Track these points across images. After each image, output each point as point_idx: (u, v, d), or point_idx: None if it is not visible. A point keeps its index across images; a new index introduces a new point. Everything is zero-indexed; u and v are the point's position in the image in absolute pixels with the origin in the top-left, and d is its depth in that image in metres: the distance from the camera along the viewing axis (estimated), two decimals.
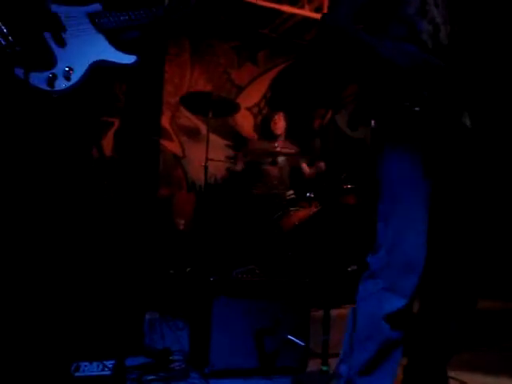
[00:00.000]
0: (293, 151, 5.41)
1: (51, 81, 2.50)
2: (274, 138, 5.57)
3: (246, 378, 2.90)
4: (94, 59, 2.60)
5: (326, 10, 5.99)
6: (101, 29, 2.62)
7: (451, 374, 2.23)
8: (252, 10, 6.11)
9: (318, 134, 6.49)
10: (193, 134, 6.21)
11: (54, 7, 2.61)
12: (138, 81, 4.37)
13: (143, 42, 2.80)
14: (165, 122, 5.99)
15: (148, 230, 3.97)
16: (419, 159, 1.99)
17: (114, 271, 3.04)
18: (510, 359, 3.48)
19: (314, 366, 3.00)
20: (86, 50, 2.60)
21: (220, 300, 2.94)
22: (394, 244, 1.97)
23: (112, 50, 2.63)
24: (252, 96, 6.68)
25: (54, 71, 2.52)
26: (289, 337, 3.02)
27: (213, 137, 5.43)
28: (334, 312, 2.93)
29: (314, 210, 4.59)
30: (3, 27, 2.41)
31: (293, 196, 4.94)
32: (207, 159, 4.73)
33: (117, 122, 5.39)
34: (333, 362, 2.64)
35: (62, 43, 2.57)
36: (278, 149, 5.11)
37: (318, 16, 6.05)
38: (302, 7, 6.03)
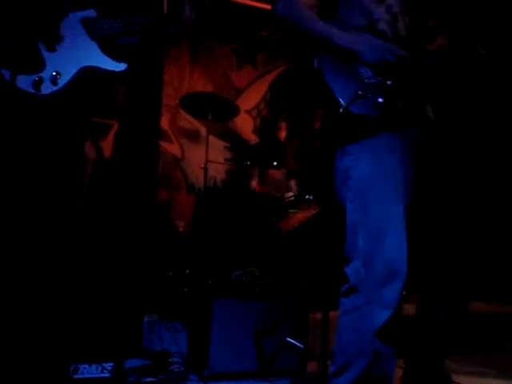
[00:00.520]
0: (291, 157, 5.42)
1: (38, 84, 2.47)
2: (274, 141, 5.58)
3: (245, 381, 2.90)
4: (83, 65, 2.57)
5: None
6: (94, 35, 2.59)
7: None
8: (251, 12, 6.12)
9: (318, 136, 6.49)
10: (192, 135, 6.21)
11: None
12: (138, 83, 4.37)
13: (137, 49, 2.78)
14: (164, 123, 5.99)
15: (147, 232, 3.96)
16: (388, 156, 1.91)
17: (113, 273, 3.04)
18: (507, 361, 3.48)
19: (312, 368, 3.00)
20: (76, 56, 2.57)
21: (219, 302, 2.94)
22: (370, 253, 1.90)
23: (103, 56, 2.60)
24: (251, 98, 6.68)
25: (41, 75, 2.50)
26: (288, 339, 3.02)
27: (212, 139, 5.42)
28: (332, 314, 2.93)
29: (313, 212, 4.58)
30: None
31: (292, 198, 4.93)
32: (207, 161, 4.72)
33: (116, 125, 5.39)
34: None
35: (52, 47, 2.56)
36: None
37: None
38: None
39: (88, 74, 2.58)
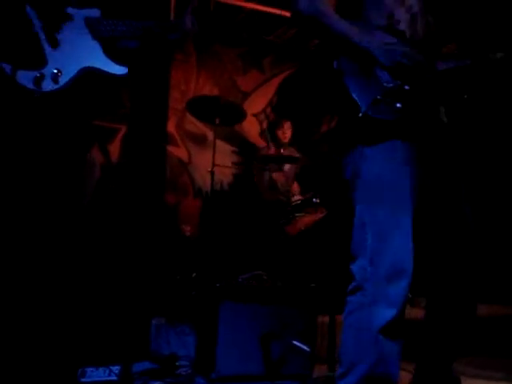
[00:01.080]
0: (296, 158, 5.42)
1: (38, 81, 2.43)
2: (279, 144, 5.60)
3: None
4: (85, 65, 2.54)
5: None
6: (96, 35, 2.57)
7: None
8: (257, 17, 6.13)
9: (325, 140, 6.50)
10: (199, 139, 6.23)
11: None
12: (144, 87, 4.38)
13: (138, 53, 2.76)
14: (171, 127, 6.00)
15: (154, 235, 3.97)
16: (400, 159, 1.92)
17: (121, 277, 3.04)
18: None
19: (320, 371, 2.99)
20: (78, 55, 2.54)
21: (226, 305, 2.94)
22: (376, 251, 1.90)
23: (104, 58, 2.57)
24: (258, 102, 6.70)
25: (42, 71, 2.46)
26: (295, 343, 3.02)
27: (219, 143, 5.43)
28: (340, 318, 2.93)
29: (319, 215, 4.58)
30: None
31: (298, 202, 4.93)
32: (214, 165, 4.73)
33: (123, 129, 5.41)
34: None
35: (54, 44, 2.52)
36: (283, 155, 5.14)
37: None
38: None
39: (94, 77, 2.58)
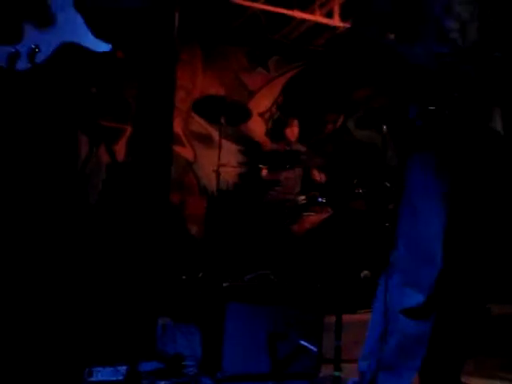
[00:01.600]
0: (305, 156, 5.41)
1: (13, 59, 2.14)
2: (286, 143, 5.58)
3: None
4: (65, 40, 2.25)
5: (336, 15, 6.00)
6: (80, 7, 2.27)
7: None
8: (263, 16, 6.13)
9: (330, 139, 6.49)
10: (204, 139, 6.23)
11: None
12: (150, 87, 4.39)
13: (122, 30, 2.48)
14: (177, 127, 6.00)
15: (160, 235, 3.98)
16: (441, 165, 2.01)
17: (127, 276, 3.05)
18: None
19: (326, 371, 2.99)
20: (58, 29, 2.25)
21: (232, 305, 2.93)
22: (410, 238, 2.01)
23: (87, 33, 2.28)
24: (263, 101, 6.69)
25: (17, 47, 2.17)
26: (301, 342, 3.01)
27: (225, 142, 5.43)
28: (346, 318, 2.92)
29: (325, 215, 4.58)
30: None
31: (304, 201, 4.93)
32: (219, 165, 4.73)
33: (129, 129, 5.42)
34: (345, 367, 2.63)
35: (32, 16, 2.23)
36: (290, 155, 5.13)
37: (329, 21, 6.06)
38: (312, 12, 6.03)
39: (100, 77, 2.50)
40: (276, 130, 6.19)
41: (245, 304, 2.96)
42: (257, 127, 6.53)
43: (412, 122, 2.02)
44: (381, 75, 2.20)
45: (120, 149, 5.34)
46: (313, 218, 4.66)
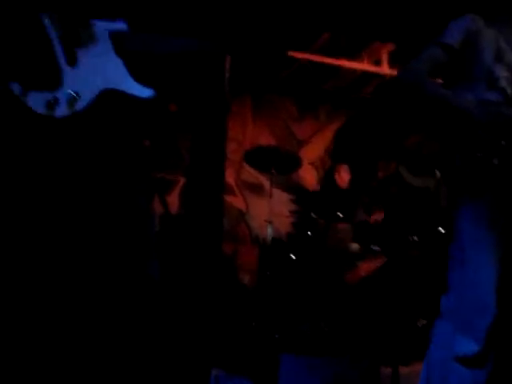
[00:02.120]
0: (357, 203, 5.38)
1: (51, 105, 2.11)
2: (338, 191, 5.57)
3: None
4: (106, 86, 2.21)
5: (385, 63, 6.04)
6: (120, 52, 2.24)
7: None
8: (311, 65, 6.21)
9: (382, 186, 6.45)
10: (256, 189, 6.27)
11: (74, 19, 2.24)
12: (202, 138, 4.46)
13: (164, 75, 2.40)
14: (229, 177, 6.07)
15: (213, 285, 3.98)
16: (492, 213, 2.00)
17: (180, 327, 3.05)
18: None
19: None
20: (98, 75, 2.22)
21: (286, 357, 2.90)
22: (462, 286, 2.00)
23: (129, 79, 2.24)
24: (314, 150, 6.72)
25: (56, 94, 2.13)
26: None
27: (276, 191, 5.46)
28: (403, 369, 2.84)
29: (380, 262, 4.51)
30: None
31: (358, 249, 4.88)
32: (271, 214, 4.75)
33: (181, 180, 5.51)
34: None
35: (72, 61, 2.20)
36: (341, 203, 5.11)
37: (377, 69, 6.09)
38: (361, 61, 6.09)
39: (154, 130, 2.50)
40: (327, 178, 6.19)
41: (298, 356, 2.93)
42: (308, 176, 6.55)
43: (459, 169, 2.02)
44: (430, 122, 2.23)
45: (173, 200, 5.43)
46: (367, 266, 4.59)
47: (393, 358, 2.81)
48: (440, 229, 4.31)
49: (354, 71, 6.26)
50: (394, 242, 4.43)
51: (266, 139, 6.38)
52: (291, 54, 5.91)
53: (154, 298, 2.84)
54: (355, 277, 4.54)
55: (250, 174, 6.20)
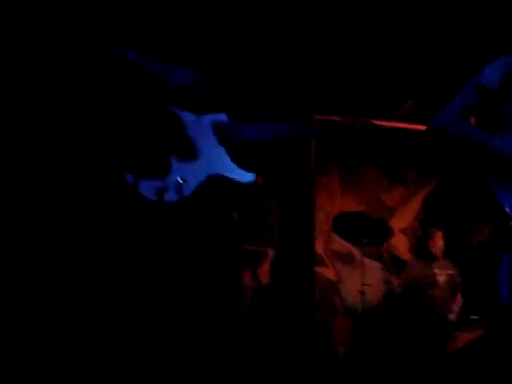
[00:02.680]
0: (451, 272, 5.24)
1: (161, 192, 2.26)
2: (432, 257, 5.45)
3: None
4: (210, 173, 2.36)
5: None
6: (223, 141, 2.39)
7: None
8: (398, 132, 6.21)
9: (477, 252, 6.24)
10: (347, 258, 6.22)
11: (182, 114, 2.43)
12: (290, 210, 4.53)
13: (266, 161, 2.59)
14: (318, 248, 6.07)
15: (306, 356, 3.95)
16: None
17: None
18: None
19: None
20: (204, 163, 2.37)
21: None
22: None
23: (231, 165, 2.38)
24: (405, 217, 6.63)
25: (165, 182, 2.29)
26: None
27: (367, 260, 5.40)
28: None
29: (479, 333, 4.34)
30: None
31: (456, 319, 4.72)
32: (363, 284, 4.70)
33: (270, 252, 5.55)
34: None
35: (179, 151, 2.37)
36: (436, 270, 4.99)
37: None
38: None
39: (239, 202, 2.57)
40: (420, 246, 6.07)
41: None
42: (399, 244, 6.44)
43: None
44: None
45: (263, 272, 5.46)
46: (466, 336, 4.43)
47: None
48: None
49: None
50: (492, 310, 4.26)
51: (354, 209, 6.35)
52: (377, 122, 5.94)
53: (246, 372, 2.85)
54: (454, 347, 4.39)
55: (340, 243, 6.17)
